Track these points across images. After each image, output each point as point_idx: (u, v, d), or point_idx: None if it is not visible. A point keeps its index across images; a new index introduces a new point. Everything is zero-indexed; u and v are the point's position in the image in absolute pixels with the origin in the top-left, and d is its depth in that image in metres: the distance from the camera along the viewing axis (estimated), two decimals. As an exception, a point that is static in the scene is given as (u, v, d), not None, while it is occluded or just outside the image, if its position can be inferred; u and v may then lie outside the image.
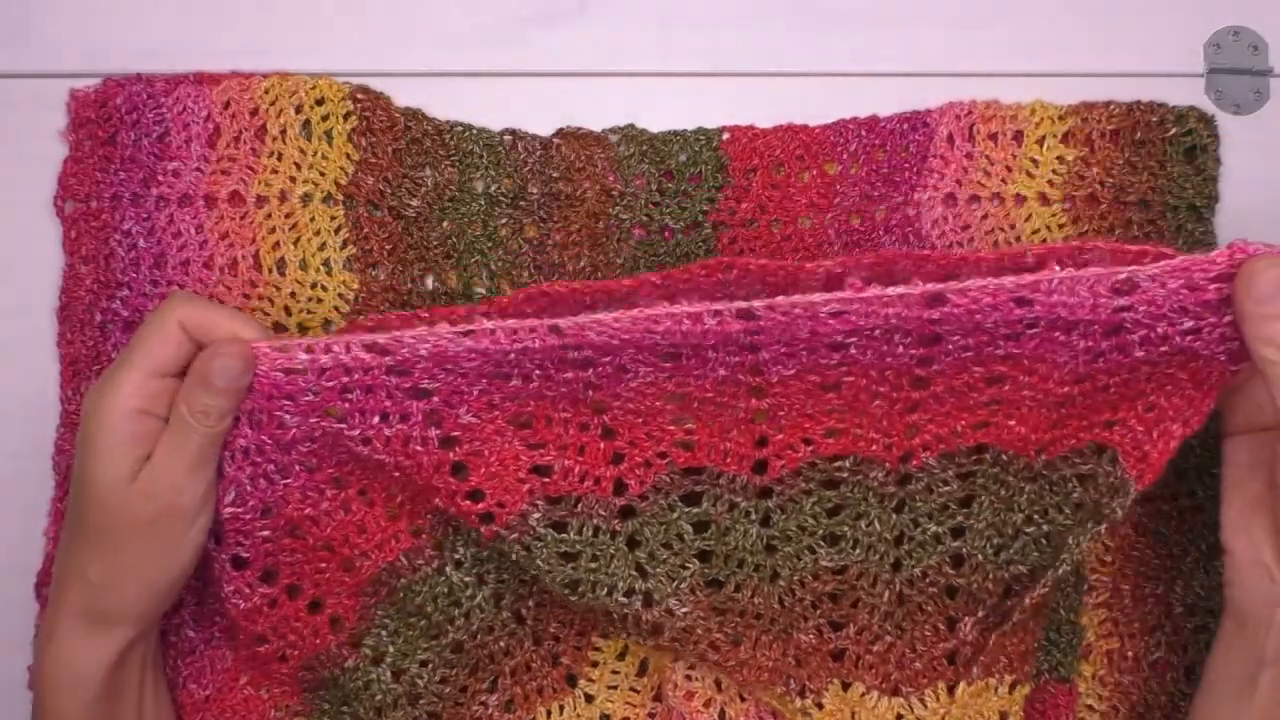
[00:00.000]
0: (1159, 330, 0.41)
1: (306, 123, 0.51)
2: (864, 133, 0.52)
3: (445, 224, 0.52)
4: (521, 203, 0.52)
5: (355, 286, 0.50)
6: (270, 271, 0.50)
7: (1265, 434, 0.43)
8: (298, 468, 0.43)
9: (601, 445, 0.45)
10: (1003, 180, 0.52)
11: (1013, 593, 0.46)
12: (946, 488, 0.45)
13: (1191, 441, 0.44)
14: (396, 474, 0.44)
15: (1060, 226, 0.51)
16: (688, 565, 0.45)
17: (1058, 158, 0.52)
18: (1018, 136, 0.52)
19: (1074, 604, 0.48)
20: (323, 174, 0.51)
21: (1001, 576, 0.46)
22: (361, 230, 0.51)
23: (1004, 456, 0.45)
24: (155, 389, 0.42)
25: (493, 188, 0.52)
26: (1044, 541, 0.45)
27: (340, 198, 0.51)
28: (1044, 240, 0.51)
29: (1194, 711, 0.46)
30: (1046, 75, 0.53)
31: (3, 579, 0.50)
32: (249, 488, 0.43)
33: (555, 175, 0.51)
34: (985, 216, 0.51)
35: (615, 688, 0.49)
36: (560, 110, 0.52)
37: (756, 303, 0.40)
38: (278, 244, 0.51)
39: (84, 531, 0.42)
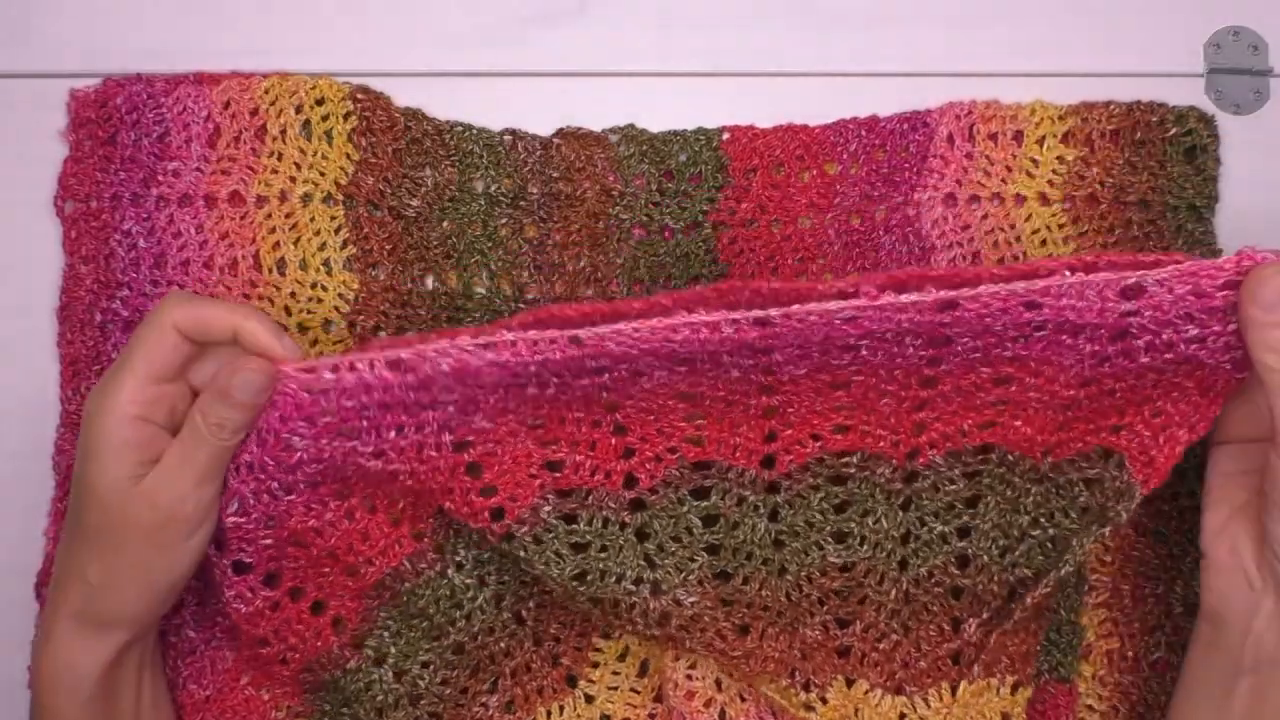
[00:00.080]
0: (1164, 337, 0.41)
1: (306, 123, 0.51)
2: (864, 133, 0.52)
3: (445, 224, 0.52)
4: (521, 203, 0.52)
5: (355, 286, 0.50)
6: (270, 271, 0.50)
7: (1255, 444, 0.43)
8: (302, 485, 0.42)
9: (613, 441, 0.45)
10: (1003, 180, 0.52)
11: (1017, 595, 0.46)
12: (953, 486, 0.46)
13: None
14: (409, 482, 0.43)
15: (1060, 226, 0.51)
16: (696, 558, 0.45)
17: (1058, 158, 0.52)
18: (1018, 136, 0.52)
19: (1074, 604, 0.48)
20: (323, 174, 0.51)
21: (1006, 579, 0.46)
22: (361, 230, 0.51)
23: (1010, 457, 0.45)
24: (153, 395, 0.41)
25: (493, 188, 0.52)
26: (1049, 545, 0.45)
27: (340, 198, 0.51)
28: (1043, 240, 0.51)
29: (1172, 712, 0.46)
30: (1046, 75, 0.53)
31: (3, 579, 0.50)
32: (252, 501, 0.42)
33: (555, 175, 0.51)
34: (985, 216, 0.51)
35: (616, 688, 0.49)
36: (560, 110, 0.52)
37: (773, 311, 0.40)
38: (278, 244, 0.51)
39: (83, 533, 0.42)
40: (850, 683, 0.46)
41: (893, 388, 0.43)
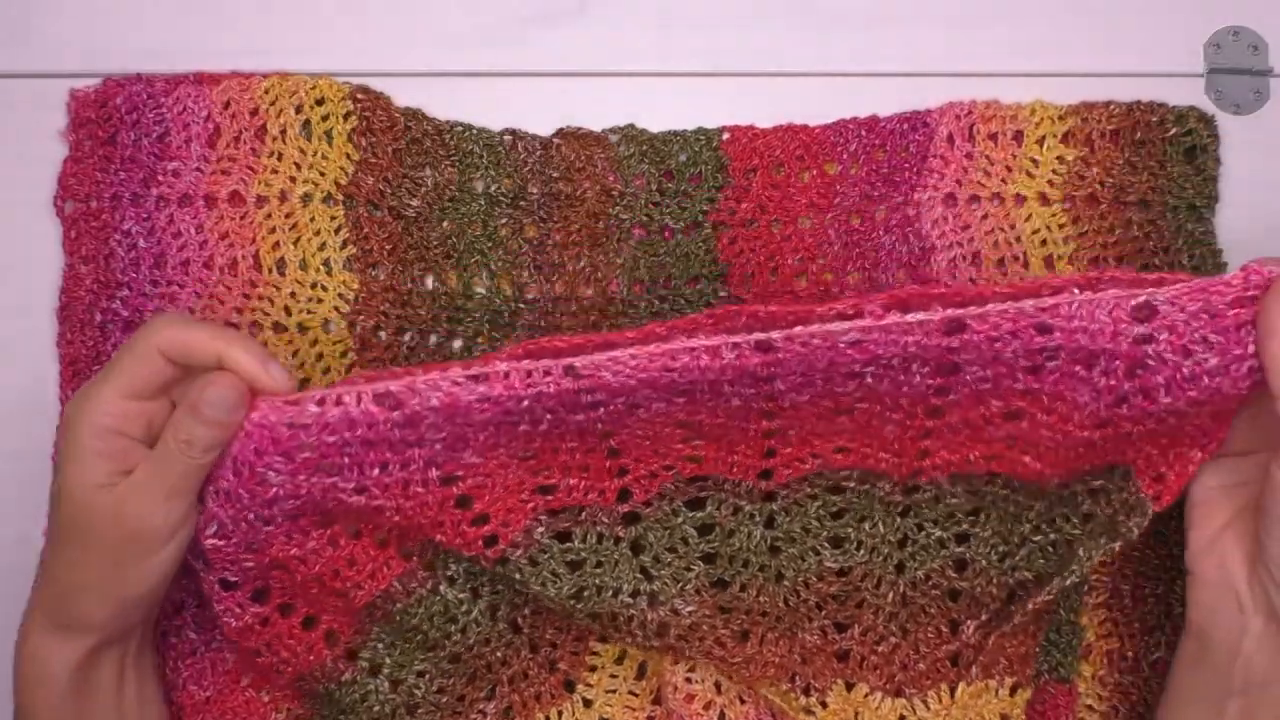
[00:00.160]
0: (1185, 370, 0.39)
1: (306, 123, 0.51)
2: (864, 133, 0.52)
3: (445, 224, 0.52)
4: (521, 203, 0.52)
5: (355, 286, 0.50)
6: (270, 271, 0.50)
7: (1245, 457, 0.42)
8: (280, 518, 0.41)
9: (607, 463, 0.44)
10: (1003, 180, 0.52)
11: (1016, 597, 0.46)
12: (954, 500, 0.45)
13: None
14: (396, 518, 0.42)
15: (1060, 226, 0.51)
16: (692, 567, 0.45)
17: (1058, 158, 0.52)
18: (1018, 136, 0.52)
19: (1074, 604, 0.48)
20: (323, 174, 0.51)
21: (1006, 582, 0.46)
22: (361, 230, 0.51)
23: (1016, 483, 0.44)
24: (128, 410, 0.41)
25: (493, 188, 0.52)
26: (1050, 549, 0.45)
27: (340, 198, 0.51)
28: (1043, 240, 0.51)
29: None
30: (1046, 75, 0.53)
31: (3, 579, 0.50)
32: (230, 527, 0.41)
33: (555, 175, 0.51)
34: (985, 216, 0.51)
35: (614, 691, 0.49)
36: (560, 110, 0.52)
37: (775, 334, 0.39)
38: (278, 244, 0.51)
39: (57, 534, 0.42)
40: (850, 686, 0.46)
41: (897, 415, 0.42)
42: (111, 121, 0.51)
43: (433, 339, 0.51)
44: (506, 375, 0.39)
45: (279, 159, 0.51)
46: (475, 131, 0.52)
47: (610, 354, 0.39)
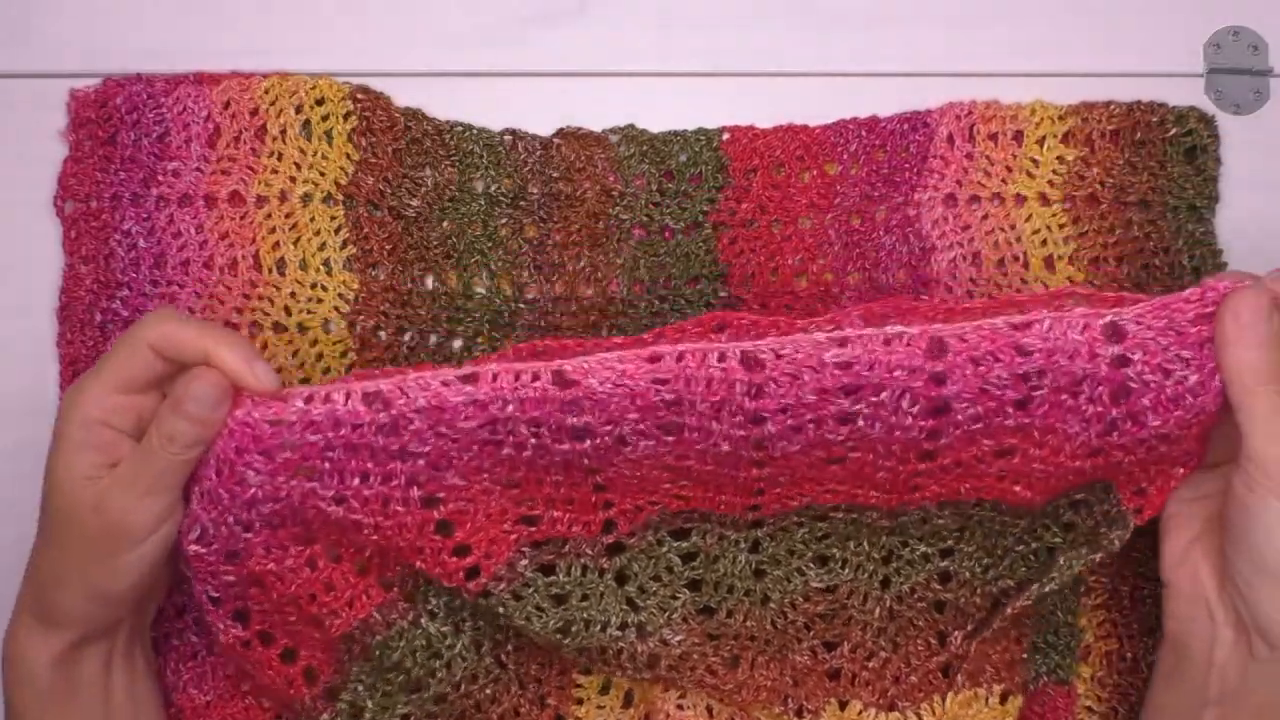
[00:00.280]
0: (1168, 391, 0.39)
1: (306, 123, 0.51)
2: (864, 133, 0.52)
3: (445, 224, 0.52)
4: (521, 203, 0.52)
5: (355, 286, 0.50)
6: (270, 271, 0.50)
7: (1212, 470, 0.43)
8: (259, 524, 0.40)
9: (593, 498, 0.43)
10: (1003, 180, 0.52)
11: (1000, 605, 0.46)
12: (940, 521, 0.45)
13: None
14: (374, 536, 0.41)
15: (1060, 226, 0.51)
16: (678, 595, 0.45)
17: (1058, 158, 0.52)
18: (1018, 136, 0.52)
19: (1072, 606, 0.48)
20: (323, 174, 0.51)
21: (989, 591, 0.46)
22: (361, 230, 0.51)
23: (1004, 506, 0.44)
24: (117, 404, 0.41)
25: (493, 188, 0.52)
26: (1032, 558, 0.45)
27: (340, 198, 0.51)
28: (1043, 240, 0.51)
29: None
30: (1046, 75, 0.53)
31: (2, 579, 0.50)
32: (212, 531, 0.40)
33: (555, 175, 0.51)
34: (985, 216, 0.51)
35: None
36: (560, 110, 0.52)
37: (762, 343, 0.38)
38: (278, 244, 0.51)
39: (43, 526, 0.42)
40: (844, 705, 0.46)
41: (890, 463, 0.41)
42: (111, 121, 0.51)
43: (433, 339, 0.51)
44: (494, 377, 0.38)
45: (279, 159, 0.51)
46: (475, 131, 0.52)
47: (599, 356, 0.38)
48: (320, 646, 0.44)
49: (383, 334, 0.51)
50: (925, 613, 0.46)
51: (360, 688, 0.44)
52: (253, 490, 0.39)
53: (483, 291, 0.51)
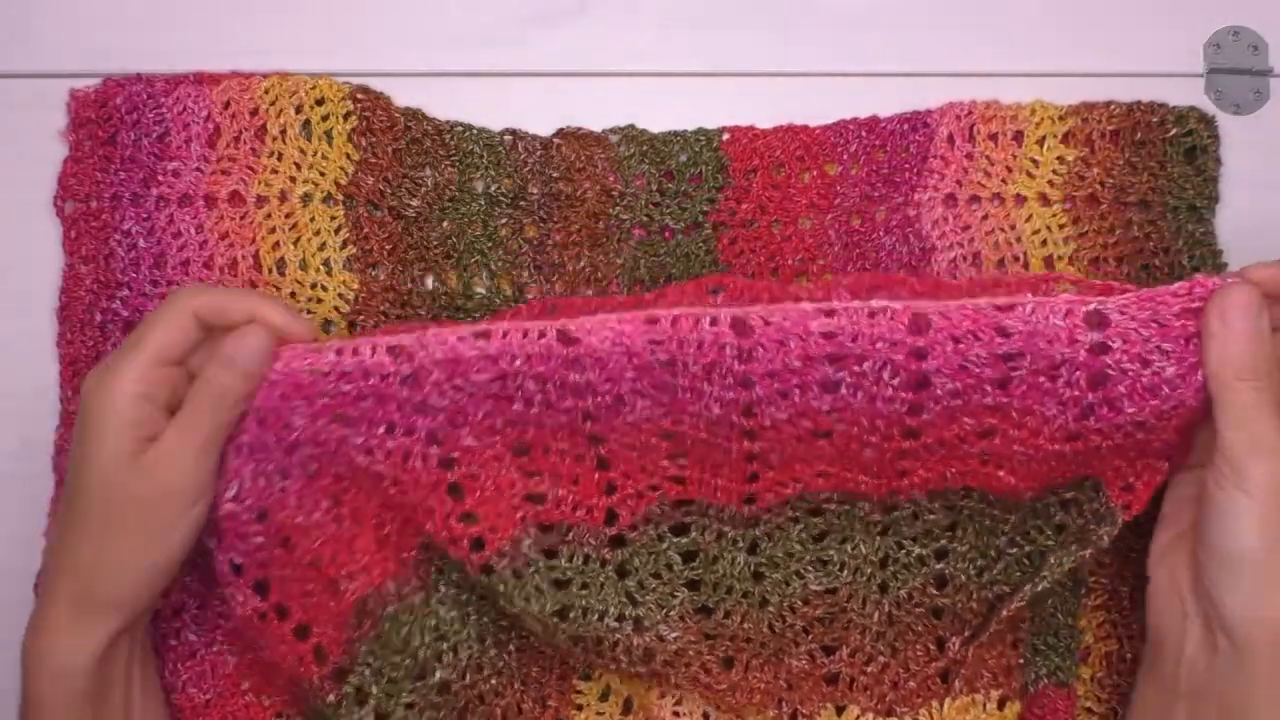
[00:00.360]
0: (1145, 380, 0.40)
1: (306, 123, 0.51)
2: (864, 133, 0.52)
3: (445, 224, 0.52)
4: (521, 203, 0.52)
5: (355, 286, 0.50)
6: (270, 271, 0.50)
7: (1197, 470, 0.43)
8: (298, 471, 0.43)
9: (596, 476, 0.45)
10: (1003, 180, 0.52)
11: (996, 609, 0.46)
12: (931, 516, 0.46)
13: None
14: (392, 490, 0.43)
15: (1060, 227, 0.51)
16: (677, 593, 0.46)
17: (1058, 158, 0.52)
18: (1018, 137, 0.52)
19: (1072, 608, 0.48)
20: (323, 174, 0.51)
21: (985, 596, 0.46)
22: (361, 230, 0.51)
23: (991, 497, 0.45)
24: (158, 376, 0.42)
25: (493, 188, 0.52)
26: (1026, 561, 0.46)
27: (340, 198, 0.51)
28: (1044, 240, 0.51)
29: None
30: (1046, 75, 0.53)
31: (2, 579, 0.50)
32: (249, 484, 0.42)
33: (555, 175, 0.51)
34: (986, 217, 0.51)
35: None
36: (560, 110, 0.52)
37: (750, 309, 0.40)
38: (278, 244, 0.51)
39: (79, 514, 0.42)
40: (840, 710, 0.46)
41: (875, 439, 0.42)
42: (111, 121, 0.51)
43: (433, 339, 0.51)
44: (504, 334, 0.41)
45: (279, 159, 0.51)
46: (475, 131, 0.52)
47: (600, 317, 0.41)
48: (332, 622, 0.45)
49: (383, 334, 0.51)
50: (923, 618, 0.46)
51: (367, 672, 0.45)
52: (295, 434, 0.42)
53: (483, 291, 0.51)
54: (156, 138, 0.51)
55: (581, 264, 0.51)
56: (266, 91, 0.51)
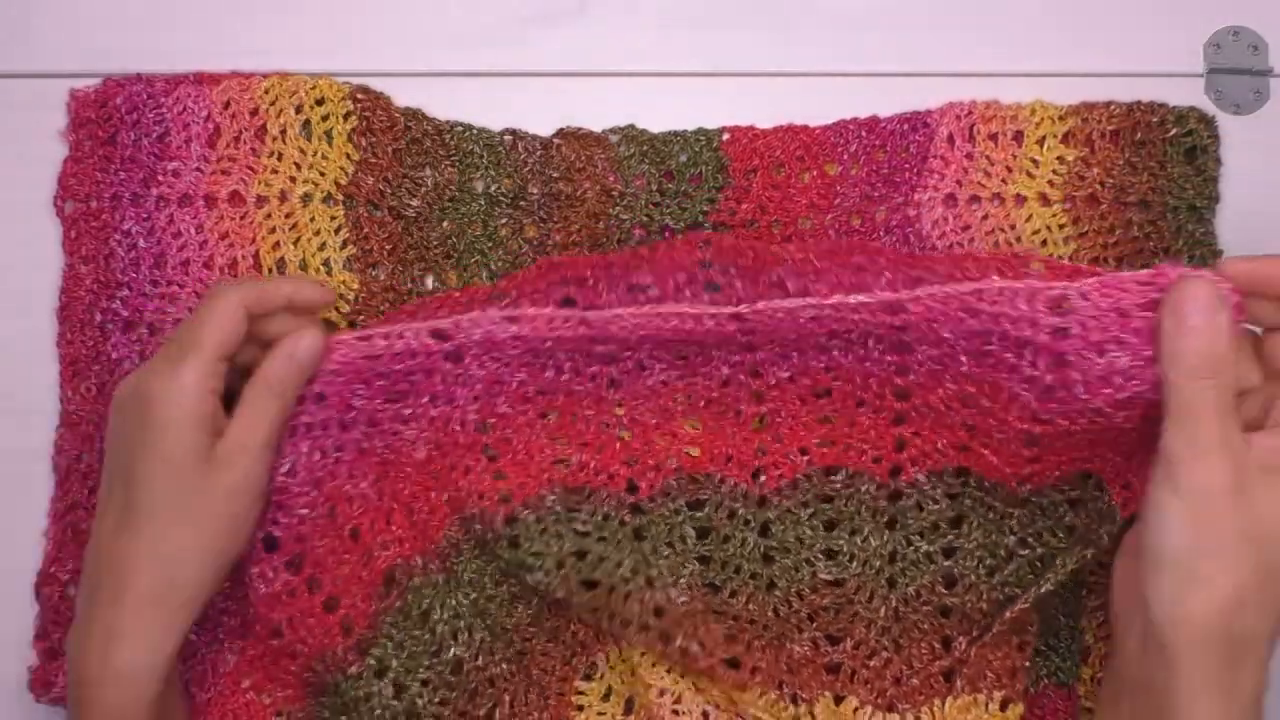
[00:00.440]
0: (1099, 367, 0.40)
1: (306, 123, 0.51)
2: (864, 133, 0.52)
3: (445, 224, 0.52)
4: (521, 203, 0.52)
5: (355, 286, 0.50)
6: (270, 271, 0.50)
7: None
8: (351, 445, 0.46)
9: (618, 445, 0.48)
10: (1003, 180, 0.52)
11: (1003, 610, 0.46)
12: (935, 506, 0.47)
13: None
14: (434, 453, 0.47)
15: (1060, 227, 0.51)
16: (688, 565, 0.47)
17: (1058, 158, 0.52)
18: (1018, 137, 0.52)
19: (1074, 609, 0.48)
20: (323, 174, 0.51)
21: (995, 598, 0.46)
22: (361, 230, 0.51)
23: (986, 483, 0.46)
24: (219, 370, 0.43)
25: (493, 188, 0.52)
26: (1038, 564, 0.46)
27: (340, 198, 0.51)
28: (1044, 240, 0.51)
29: None
30: (1046, 75, 0.53)
31: (2, 579, 0.50)
32: (304, 460, 0.45)
33: (555, 175, 0.51)
34: (985, 217, 0.51)
35: None
36: (560, 110, 0.52)
37: (743, 307, 0.44)
38: (278, 244, 0.51)
39: (148, 514, 0.42)
40: (839, 699, 0.46)
41: (869, 396, 0.46)
42: (111, 121, 0.51)
43: (433, 339, 0.51)
44: (534, 319, 0.45)
45: (279, 159, 0.51)
46: (475, 131, 0.52)
47: (615, 311, 0.45)
48: (362, 592, 0.46)
49: (383, 334, 0.51)
50: (930, 616, 0.47)
51: (389, 645, 0.46)
52: (354, 413, 0.46)
53: (483, 291, 0.51)
54: (156, 138, 0.51)
55: (581, 264, 0.51)
56: (266, 91, 0.51)
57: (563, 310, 0.45)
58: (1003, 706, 0.45)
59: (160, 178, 0.51)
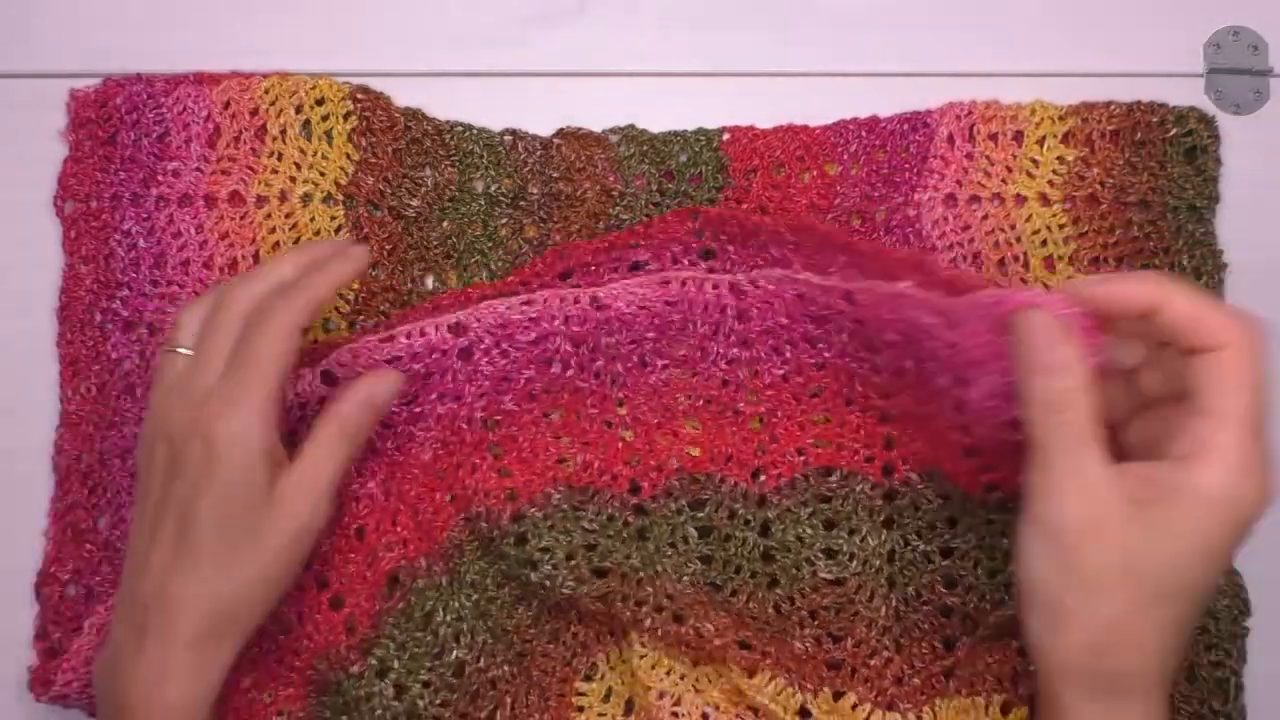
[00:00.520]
0: (985, 386, 0.41)
1: (306, 123, 0.51)
2: (864, 133, 0.52)
3: (445, 224, 0.52)
4: (521, 203, 0.52)
5: (355, 286, 0.50)
6: (270, 271, 0.50)
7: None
8: (363, 444, 0.46)
9: (620, 445, 0.49)
10: (1003, 180, 0.52)
11: (995, 611, 0.46)
12: (930, 505, 0.47)
13: None
14: (440, 452, 0.48)
15: (1060, 227, 0.51)
16: (690, 564, 0.48)
17: (1058, 158, 0.52)
18: (1018, 137, 0.52)
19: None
20: (323, 174, 0.51)
21: (997, 599, 0.46)
22: (361, 230, 0.51)
23: (952, 487, 0.47)
24: (280, 398, 0.42)
25: (493, 188, 0.52)
26: None
27: (340, 198, 0.51)
28: (1044, 240, 0.51)
29: None
30: (1046, 75, 0.53)
31: (2, 579, 0.50)
32: None
33: (555, 175, 0.51)
34: (985, 217, 0.51)
35: None
36: (560, 110, 0.52)
37: (740, 275, 0.47)
38: (278, 244, 0.51)
39: (211, 555, 0.41)
40: (838, 695, 0.46)
41: (856, 395, 0.48)
42: (111, 121, 0.51)
43: (433, 339, 0.51)
44: (545, 299, 0.47)
45: (279, 159, 0.51)
46: (475, 131, 0.52)
47: (622, 284, 0.47)
48: (366, 592, 0.46)
49: (383, 334, 0.51)
50: (931, 616, 0.47)
51: (391, 645, 0.46)
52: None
53: (483, 291, 0.51)
54: (156, 138, 0.51)
55: (581, 264, 0.51)
56: (266, 91, 0.51)
57: (572, 290, 0.47)
58: (1004, 710, 0.45)
59: (160, 178, 0.51)
